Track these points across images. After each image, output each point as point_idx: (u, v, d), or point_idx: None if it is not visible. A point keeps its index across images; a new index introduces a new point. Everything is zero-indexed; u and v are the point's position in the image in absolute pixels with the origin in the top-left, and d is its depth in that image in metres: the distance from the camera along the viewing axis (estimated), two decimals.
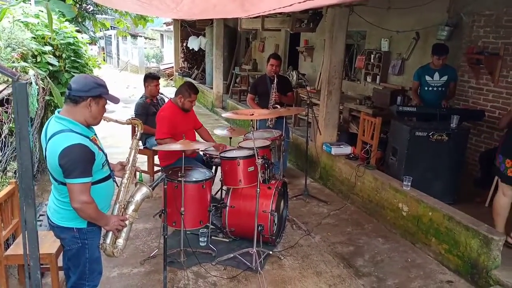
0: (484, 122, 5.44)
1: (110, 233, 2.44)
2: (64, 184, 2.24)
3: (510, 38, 5.08)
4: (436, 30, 5.90)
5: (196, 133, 4.57)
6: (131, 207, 2.51)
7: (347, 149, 5.38)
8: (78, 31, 6.26)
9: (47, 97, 4.95)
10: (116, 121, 2.60)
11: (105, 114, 2.44)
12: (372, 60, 7.36)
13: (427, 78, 5.21)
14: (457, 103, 5.79)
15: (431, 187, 4.35)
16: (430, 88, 5.22)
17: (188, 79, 13.89)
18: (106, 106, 2.41)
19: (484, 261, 3.42)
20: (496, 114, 5.33)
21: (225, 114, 4.28)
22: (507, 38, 5.12)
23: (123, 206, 2.49)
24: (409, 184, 4.26)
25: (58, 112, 2.31)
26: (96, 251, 2.47)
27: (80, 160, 2.19)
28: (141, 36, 23.72)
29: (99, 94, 2.31)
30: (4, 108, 3.74)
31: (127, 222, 2.47)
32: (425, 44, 6.25)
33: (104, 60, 19.21)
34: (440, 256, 3.86)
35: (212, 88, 11.23)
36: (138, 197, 2.53)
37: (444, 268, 3.78)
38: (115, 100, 2.41)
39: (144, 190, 2.55)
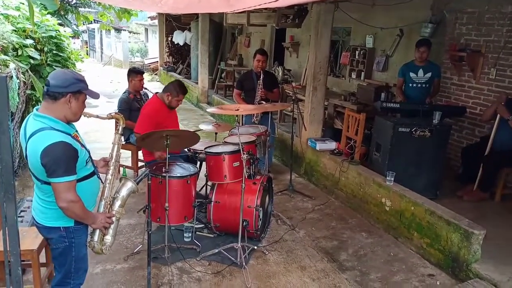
0: (465, 118, 5.54)
1: (98, 230, 2.41)
2: (48, 183, 2.18)
3: (492, 36, 5.17)
4: (419, 27, 5.96)
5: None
6: (117, 203, 2.47)
7: (332, 145, 5.42)
8: (60, 24, 6.15)
9: (28, 91, 4.86)
10: (97, 117, 2.54)
11: (86, 110, 2.38)
12: (356, 57, 7.40)
13: (411, 75, 5.28)
14: (440, 99, 5.87)
15: (414, 182, 4.40)
16: (414, 85, 5.30)
17: (173, 74, 13.78)
18: (89, 101, 2.37)
19: (465, 254, 3.49)
20: (477, 111, 5.42)
21: (211, 109, 4.26)
22: (488, 36, 5.21)
23: (109, 202, 2.45)
24: (392, 179, 4.31)
25: (37, 109, 2.23)
26: (82, 249, 2.44)
27: (63, 158, 2.13)
28: (125, 30, 23.42)
29: (78, 89, 2.24)
30: None
31: (114, 218, 2.44)
32: (409, 41, 6.31)
33: (87, 54, 18.89)
34: (422, 250, 3.92)
35: (197, 83, 11.16)
36: (124, 192, 2.50)
37: (425, 262, 3.84)
38: (95, 96, 2.34)
39: (129, 185, 2.52)
